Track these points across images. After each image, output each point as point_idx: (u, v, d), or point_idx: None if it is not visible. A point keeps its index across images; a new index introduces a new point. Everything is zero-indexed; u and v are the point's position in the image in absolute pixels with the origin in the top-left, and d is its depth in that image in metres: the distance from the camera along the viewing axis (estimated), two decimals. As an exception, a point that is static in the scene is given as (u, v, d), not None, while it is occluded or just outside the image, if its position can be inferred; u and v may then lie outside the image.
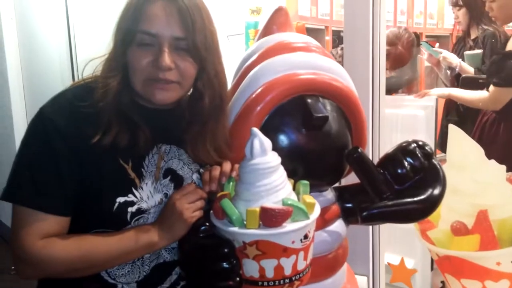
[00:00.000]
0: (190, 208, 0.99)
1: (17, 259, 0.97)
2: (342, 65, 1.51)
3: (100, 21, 2.63)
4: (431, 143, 1.27)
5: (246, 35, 2.36)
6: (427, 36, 4.40)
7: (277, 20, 1.24)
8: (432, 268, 2.37)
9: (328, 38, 3.56)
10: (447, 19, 4.60)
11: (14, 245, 0.96)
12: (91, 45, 2.74)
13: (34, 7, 3.24)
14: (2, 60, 3.42)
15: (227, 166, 1.03)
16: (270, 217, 0.87)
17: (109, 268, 1.01)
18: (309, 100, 1.08)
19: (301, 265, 0.92)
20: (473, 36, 2.78)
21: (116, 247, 0.97)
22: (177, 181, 1.06)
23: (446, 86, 2.83)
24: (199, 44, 0.97)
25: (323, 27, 3.54)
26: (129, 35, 0.97)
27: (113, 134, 0.96)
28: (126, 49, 0.98)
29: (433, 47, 2.90)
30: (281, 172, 0.93)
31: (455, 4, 2.83)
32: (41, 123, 0.98)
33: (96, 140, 0.95)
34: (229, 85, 1.20)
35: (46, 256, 0.94)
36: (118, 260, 0.99)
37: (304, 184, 0.98)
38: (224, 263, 0.90)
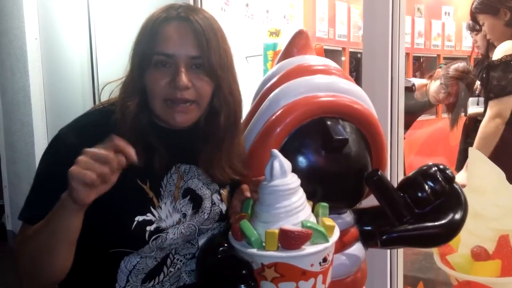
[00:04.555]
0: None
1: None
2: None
3: (122, 42, 2.67)
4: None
5: (265, 56, 2.38)
6: (445, 58, 4.39)
7: (298, 43, 1.26)
8: (451, 294, 2.32)
9: (344, 59, 3.58)
10: (465, 41, 4.59)
11: None
12: (113, 66, 2.79)
13: (58, 28, 3.31)
14: (26, 78, 3.49)
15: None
16: (289, 239, 0.86)
17: (63, 260, 0.92)
18: (329, 122, 1.08)
19: (320, 289, 0.91)
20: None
21: (45, 221, 0.89)
22: (196, 201, 1.07)
23: (464, 109, 2.82)
24: (214, 63, 0.98)
25: (340, 49, 3.57)
26: (146, 57, 0.98)
27: None
28: (144, 72, 0.99)
29: None
30: (301, 194, 0.93)
31: (472, 29, 2.83)
32: (55, 146, 1.00)
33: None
34: (248, 106, 1.21)
35: (18, 252, 0.94)
36: (55, 241, 0.89)
37: (323, 206, 0.97)
38: (242, 285, 0.89)
